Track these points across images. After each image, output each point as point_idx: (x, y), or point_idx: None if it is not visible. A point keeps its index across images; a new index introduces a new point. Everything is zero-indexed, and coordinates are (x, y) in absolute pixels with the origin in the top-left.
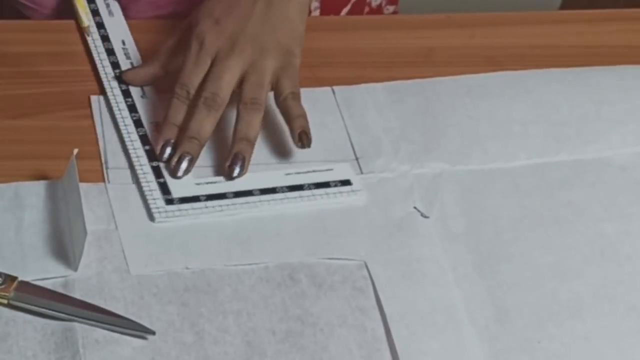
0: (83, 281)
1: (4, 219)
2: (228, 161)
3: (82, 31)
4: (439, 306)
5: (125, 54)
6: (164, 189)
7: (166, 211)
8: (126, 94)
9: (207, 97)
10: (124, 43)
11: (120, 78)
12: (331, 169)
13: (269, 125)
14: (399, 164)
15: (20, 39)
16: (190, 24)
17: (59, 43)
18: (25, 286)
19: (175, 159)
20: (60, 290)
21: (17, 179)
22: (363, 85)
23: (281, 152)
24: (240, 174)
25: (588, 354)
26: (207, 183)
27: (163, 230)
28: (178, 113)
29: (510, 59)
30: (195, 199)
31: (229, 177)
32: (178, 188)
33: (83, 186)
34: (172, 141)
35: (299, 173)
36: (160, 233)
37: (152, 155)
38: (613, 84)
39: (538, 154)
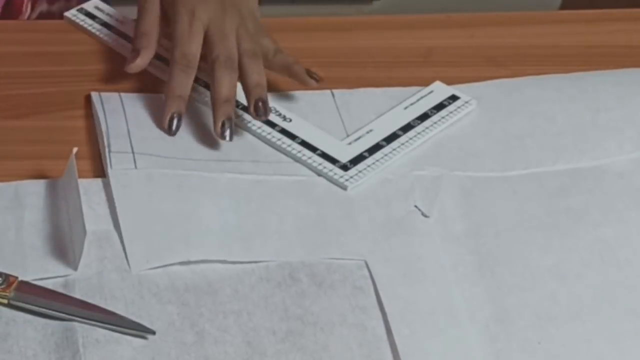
0: (83, 281)
1: (4, 218)
2: (251, 108)
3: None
4: (439, 305)
5: None
6: (330, 159)
7: (351, 176)
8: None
9: (225, 58)
10: None
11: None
12: (432, 91)
13: None
14: (399, 166)
15: (19, 39)
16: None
17: (59, 43)
18: (25, 286)
19: (225, 125)
20: (60, 290)
21: (17, 178)
22: (363, 90)
23: None
24: (267, 117)
25: (588, 355)
26: (355, 140)
27: (164, 221)
28: (184, 84)
29: (510, 59)
30: (361, 157)
31: (259, 119)
32: (340, 154)
33: (83, 183)
34: (181, 114)
35: (412, 104)
36: (161, 225)
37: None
38: (610, 90)
39: (535, 165)
